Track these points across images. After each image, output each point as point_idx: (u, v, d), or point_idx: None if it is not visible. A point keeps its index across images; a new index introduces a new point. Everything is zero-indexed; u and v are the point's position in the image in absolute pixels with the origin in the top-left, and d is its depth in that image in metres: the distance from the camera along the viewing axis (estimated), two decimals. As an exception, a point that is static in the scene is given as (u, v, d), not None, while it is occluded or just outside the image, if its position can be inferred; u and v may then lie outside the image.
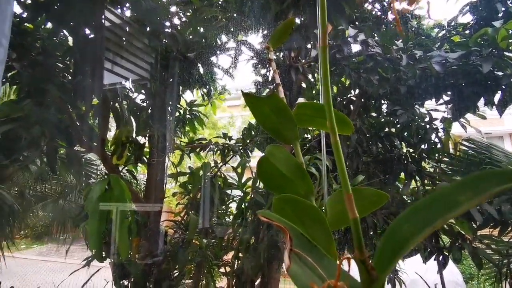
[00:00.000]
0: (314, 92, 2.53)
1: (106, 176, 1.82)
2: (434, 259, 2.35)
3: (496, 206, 2.01)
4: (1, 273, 2.76)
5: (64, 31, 2.22)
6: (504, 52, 1.91)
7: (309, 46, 2.26)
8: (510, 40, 2.02)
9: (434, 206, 0.20)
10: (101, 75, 2.18)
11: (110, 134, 2.50)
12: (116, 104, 2.29)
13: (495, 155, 2.37)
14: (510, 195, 2.03)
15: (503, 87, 1.78)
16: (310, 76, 2.36)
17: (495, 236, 2.24)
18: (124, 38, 2.41)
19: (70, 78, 2.19)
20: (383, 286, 0.23)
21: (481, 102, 2.13)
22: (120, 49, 2.37)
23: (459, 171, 2.60)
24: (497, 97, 1.98)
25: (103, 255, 1.75)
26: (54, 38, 2.21)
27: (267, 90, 2.40)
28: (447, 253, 2.27)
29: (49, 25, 2.21)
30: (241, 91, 0.50)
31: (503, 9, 2.07)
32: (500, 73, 1.78)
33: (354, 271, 0.27)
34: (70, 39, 2.26)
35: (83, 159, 2.39)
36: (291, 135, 0.48)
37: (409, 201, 2.42)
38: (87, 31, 2.26)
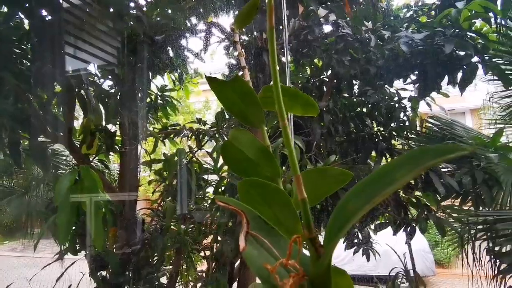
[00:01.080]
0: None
1: (75, 167, 1.76)
2: (403, 231, 2.51)
3: (457, 178, 2.15)
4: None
5: (20, 14, 2.05)
6: (467, 33, 1.99)
7: (281, 27, 2.24)
8: (473, 21, 2.10)
9: (375, 184, 0.22)
10: (62, 60, 2.05)
11: (78, 123, 2.39)
12: (82, 91, 2.18)
13: (457, 130, 2.52)
14: (470, 168, 2.18)
15: (464, 66, 1.87)
16: (283, 59, 2.35)
17: (456, 206, 2.42)
18: (85, 20, 2.26)
19: (28, 64, 2.05)
20: (330, 260, 0.25)
21: (445, 80, 2.23)
22: (82, 33, 2.24)
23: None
24: (459, 76, 2.08)
25: (78, 248, 1.71)
26: (10, 23, 2.04)
27: (241, 72, 2.37)
28: (414, 224, 2.43)
29: (4, 9, 2.03)
30: (205, 75, 0.50)
31: (466, -11, 2.14)
32: (462, 53, 1.86)
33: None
34: (27, 23, 2.10)
35: (49, 150, 2.28)
36: (257, 119, 0.48)
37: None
38: (44, 13, 2.11)
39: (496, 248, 1.97)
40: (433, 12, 2.24)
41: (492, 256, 2.06)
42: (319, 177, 0.43)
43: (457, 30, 1.91)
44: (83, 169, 1.51)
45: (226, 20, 2.48)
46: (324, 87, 2.49)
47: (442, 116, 2.75)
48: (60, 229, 1.37)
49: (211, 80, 0.45)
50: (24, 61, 2.05)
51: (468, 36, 1.91)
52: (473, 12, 1.91)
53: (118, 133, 2.38)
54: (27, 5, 2.01)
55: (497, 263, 1.91)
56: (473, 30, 2.00)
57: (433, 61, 1.90)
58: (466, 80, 1.91)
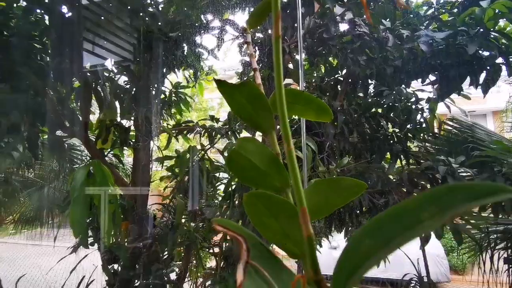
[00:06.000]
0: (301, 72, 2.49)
1: (89, 162, 1.79)
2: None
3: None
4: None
5: (40, 9, 2.10)
6: (491, 33, 1.90)
7: (296, 25, 2.20)
8: (500, 20, 2.00)
9: (394, 222, 0.18)
10: (81, 56, 2.10)
11: (94, 118, 2.44)
12: (98, 87, 2.22)
13: (478, 134, 2.42)
14: (491, 173, 2.09)
15: (488, 67, 1.79)
16: (297, 57, 2.32)
17: (474, 212, 2.33)
18: (103, 17, 2.30)
19: (48, 60, 2.10)
20: None
21: (466, 81, 2.15)
22: (100, 29, 2.28)
23: (443, 150, 2.66)
24: (482, 77, 1.99)
25: (91, 241, 1.75)
26: (31, 17, 2.09)
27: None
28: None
29: (23, 3, 2.09)
30: (213, 78, 0.48)
31: (491, -14, 2.04)
32: (486, 54, 1.78)
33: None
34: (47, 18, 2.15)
35: (66, 144, 2.34)
36: (267, 124, 0.46)
37: (394, 179, 2.46)
38: (64, 9, 2.15)
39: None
40: (455, 10, 2.15)
41: (510, 266, 1.98)
42: (331, 189, 0.41)
43: (481, 30, 1.83)
44: (94, 164, 1.54)
45: (241, 17, 2.46)
46: (339, 86, 2.44)
47: (462, 119, 2.65)
48: (73, 222, 1.41)
49: (220, 83, 0.43)
50: (44, 56, 2.10)
51: (492, 36, 1.83)
52: (498, 11, 1.82)
53: (132, 128, 2.42)
54: (46, 0, 2.06)
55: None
56: (497, 30, 1.90)
57: (454, 61, 1.82)
58: (490, 82, 1.83)
